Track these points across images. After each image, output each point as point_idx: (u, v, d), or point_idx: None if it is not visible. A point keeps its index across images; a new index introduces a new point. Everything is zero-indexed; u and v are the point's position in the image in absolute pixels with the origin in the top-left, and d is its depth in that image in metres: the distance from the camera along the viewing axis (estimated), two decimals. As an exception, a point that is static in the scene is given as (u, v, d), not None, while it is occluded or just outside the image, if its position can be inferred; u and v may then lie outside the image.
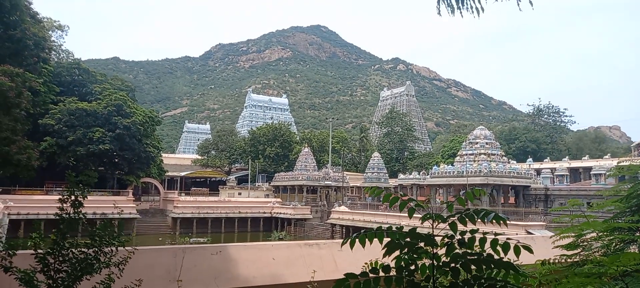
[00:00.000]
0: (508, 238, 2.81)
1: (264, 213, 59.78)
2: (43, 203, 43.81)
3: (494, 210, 2.86)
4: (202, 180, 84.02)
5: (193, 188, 72.79)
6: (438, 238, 2.92)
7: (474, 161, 44.62)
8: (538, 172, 54.25)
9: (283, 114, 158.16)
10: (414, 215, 2.95)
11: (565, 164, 60.23)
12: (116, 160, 57.22)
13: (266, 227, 57.98)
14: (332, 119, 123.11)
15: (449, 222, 2.79)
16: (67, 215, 3.40)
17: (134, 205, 53.45)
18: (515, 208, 41.97)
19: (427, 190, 55.18)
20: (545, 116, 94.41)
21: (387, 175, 70.01)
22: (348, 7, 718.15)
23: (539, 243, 10.31)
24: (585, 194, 38.37)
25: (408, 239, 2.68)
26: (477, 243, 2.84)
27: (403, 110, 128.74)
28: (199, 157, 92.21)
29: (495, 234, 2.86)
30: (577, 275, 4.46)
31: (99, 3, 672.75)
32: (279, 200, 64.25)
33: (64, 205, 3.40)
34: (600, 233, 5.36)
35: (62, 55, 68.09)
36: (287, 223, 56.43)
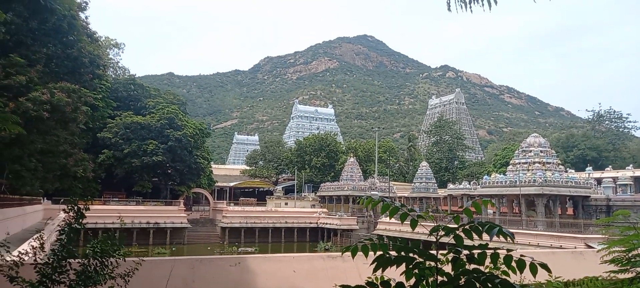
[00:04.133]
0: (522, 255, 2.52)
1: (310, 223, 59.86)
2: (101, 213, 46.05)
3: (494, 224, 2.57)
4: (250, 190, 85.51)
5: (241, 199, 74.14)
6: (446, 252, 2.69)
7: (528, 170, 42.54)
8: (598, 181, 50.95)
9: (329, 124, 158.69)
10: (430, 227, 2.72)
11: (629, 173, 56.20)
12: (169, 171, 59.33)
13: (312, 238, 57.99)
14: (379, 128, 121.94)
15: (454, 235, 2.54)
16: (69, 227, 3.40)
17: (185, 215, 55.05)
18: (574, 220, 39.55)
19: (478, 201, 53.19)
20: (607, 122, 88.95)
21: (435, 185, 68.30)
22: (395, 15, 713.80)
23: (590, 258, 9.54)
24: (651, 205, 35.65)
25: (403, 253, 2.45)
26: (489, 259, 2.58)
27: (452, 119, 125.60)
28: (248, 168, 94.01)
29: (508, 250, 2.58)
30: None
31: (156, 24, 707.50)
32: (325, 210, 64.16)
33: (67, 215, 3.40)
34: (655, 248, 4.84)
35: (118, 72, 71.88)
36: (333, 233, 56.17)
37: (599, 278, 6.42)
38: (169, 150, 56.68)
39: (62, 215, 3.58)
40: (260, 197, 77.98)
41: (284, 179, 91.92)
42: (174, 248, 47.90)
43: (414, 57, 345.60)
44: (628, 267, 5.13)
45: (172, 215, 53.39)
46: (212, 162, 76.09)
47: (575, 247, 25.38)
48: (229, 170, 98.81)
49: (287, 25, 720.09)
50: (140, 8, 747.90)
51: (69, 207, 3.58)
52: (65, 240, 3.40)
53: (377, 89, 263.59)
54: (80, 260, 3.46)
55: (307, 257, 5.81)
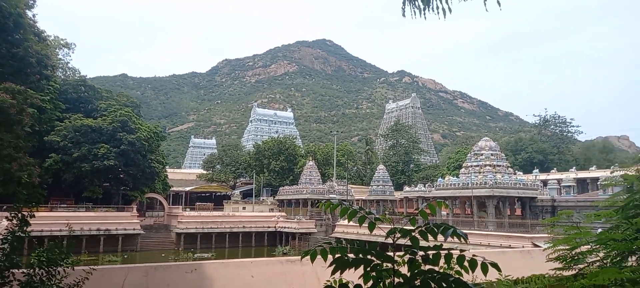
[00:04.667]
0: (474, 255, 2.62)
1: (269, 227, 59.47)
2: (47, 220, 43.84)
3: (451, 226, 2.66)
4: (207, 194, 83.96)
5: (198, 203, 72.69)
6: (402, 254, 2.75)
7: (479, 173, 44.14)
8: (545, 183, 53.58)
9: (288, 127, 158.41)
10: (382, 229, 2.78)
11: (572, 175, 59.49)
12: (121, 176, 57.35)
13: (270, 242, 57.64)
14: (338, 132, 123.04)
15: (410, 236, 2.61)
16: (13, 235, 3.22)
17: (138, 221, 53.36)
18: (522, 221, 41.36)
19: (433, 203, 54.59)
20: (552, 126, 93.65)
21: (392, 187, 69.50)
22: (353, 21, 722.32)
23: (537, 256, 10.01)
24: (592, 205, 37.77)
25: (361, 256, 2.50)
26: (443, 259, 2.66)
27: (408, 123, 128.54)
28: (204, 172, 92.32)
29: (462, 251, 2.67)
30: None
31: (109, 24, 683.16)
32: (283, 214, 63.93)
33: (10, 223, 3.22)
34: (595, 246, 5.13)
35: (68, 73, 68.87)
36: (291, 237, 56.06)
37: (546, 276, 6.74)
38: (122, 154, 54.80)
39: (5, 223, 3.40)
40: (218, 201, 76.72)
41: (242, 183, 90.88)
42: (126, 256, 46.26)
43: (372, 62, 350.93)
44: (572, 265, 5.42)
45: (124, 221, 51.60)
46: (167, 166, 74.21)
47: (523, 246, 26.48)
48: (185, 174, 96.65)
49: (246, 28, 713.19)
50: (92, 7, 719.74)
51: (12, 215, 3.39)
52: (8, 249, 3.21)
53: (335, 93, 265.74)
54: (24, 271, 3.27)
55: (266, 261, 5.77)
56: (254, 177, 79.13)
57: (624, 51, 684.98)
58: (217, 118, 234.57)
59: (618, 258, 4.91)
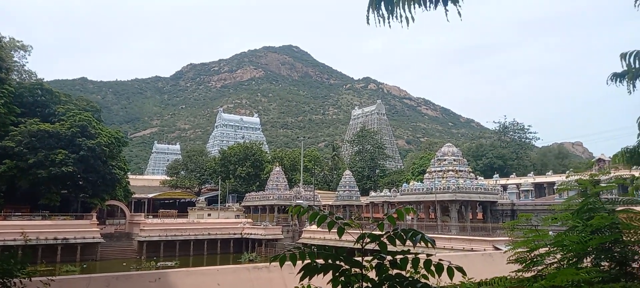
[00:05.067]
0: (440, 260, 2.69)
1: (235, 234, 58.74)
2: (1, 229, 41.87)
3: (417, 231, 2.72)
4: (170, 201, 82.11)
5: (161, 210, 70.93)
6: (371, 259, 2.78)
7: (443, 178, 45.09)
8: (504, 187, 55.29)
9: (255, 133, 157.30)
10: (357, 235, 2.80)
11: (530, 180, 61.64)
12: (80, 182, 55.40)
13: (237, 249, 56.92)
14: (305, 138, 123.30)
15: (378, 242, 2.64)
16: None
17: (98, 229, 51.63)
18: (484, 224, 42.49)
19: (400, 208, 55.28)
20: (511, 133, 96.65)
21: (358, 193, 70.01)
22: (319, 28, 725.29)
23: (498, 259, 10.30)
24: (549, 209, 39.25)
25: (329, 261, 2.51)
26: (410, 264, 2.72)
27: (374, 129, 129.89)
28: (168, 178, 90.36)
29: (428, 255, 2.73)
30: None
31: (67, 26, 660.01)
32: (249, 220, 63.31)
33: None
34: (552, 248, 5.34)
35: (24, 76, 65.99)
36: (258, 244, 55.56)
37: (508, 278, 6.94)
38: (81, 160, 52.94)
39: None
40: (182, 208, 75.16)
41: (207, 189, 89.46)
42: (85, 266, 44.63)
43: (338, 69, 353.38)
44: (531, 266, 5.62)
45: (83, 229, 49.86)
46: (129, 173, 72.18)
47: (485, 249, 27.23)
48: (148, 180, 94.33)
49: (212, 32, 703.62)
50: (50, 8, 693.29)
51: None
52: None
53: (302, 99, 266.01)
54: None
55: (232, 268, 5.70)
56: (220, 183, 78.04)
57: (569, 64, 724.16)
58: (182, 123, 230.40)
59: (574, 260, 5.11)
